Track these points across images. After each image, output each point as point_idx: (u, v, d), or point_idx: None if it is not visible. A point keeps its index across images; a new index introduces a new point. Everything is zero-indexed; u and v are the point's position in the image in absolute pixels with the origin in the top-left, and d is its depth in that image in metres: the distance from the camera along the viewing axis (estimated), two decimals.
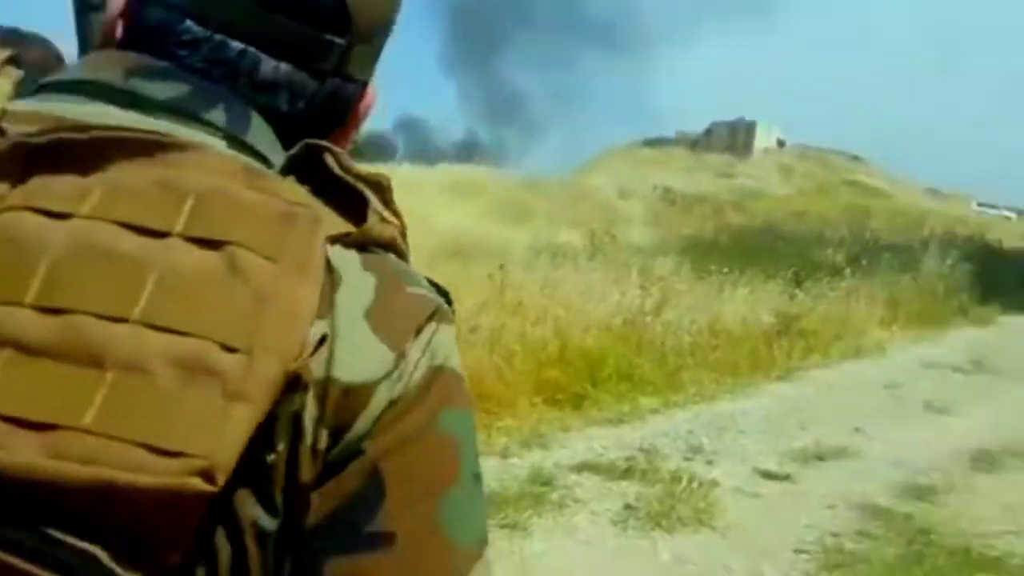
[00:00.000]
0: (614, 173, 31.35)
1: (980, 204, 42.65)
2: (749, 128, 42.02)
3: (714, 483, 5.71)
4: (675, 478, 5.64)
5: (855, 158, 42.49)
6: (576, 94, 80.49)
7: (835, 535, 5.04)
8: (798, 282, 13.11)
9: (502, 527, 4.82)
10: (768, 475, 6.20)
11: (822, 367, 11.02)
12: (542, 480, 5.63)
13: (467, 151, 46.42)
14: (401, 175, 29.09)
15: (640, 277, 10.03)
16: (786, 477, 6.19)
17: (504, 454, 6.29)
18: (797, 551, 4.78)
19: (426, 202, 23.17)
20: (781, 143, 42.99)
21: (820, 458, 6.71)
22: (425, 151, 44.51)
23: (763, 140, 42.02)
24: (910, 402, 9.18)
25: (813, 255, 17.92)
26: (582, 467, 6.02)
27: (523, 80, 56.28)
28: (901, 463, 6.71)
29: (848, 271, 14.66)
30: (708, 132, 43.35)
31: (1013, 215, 40.66)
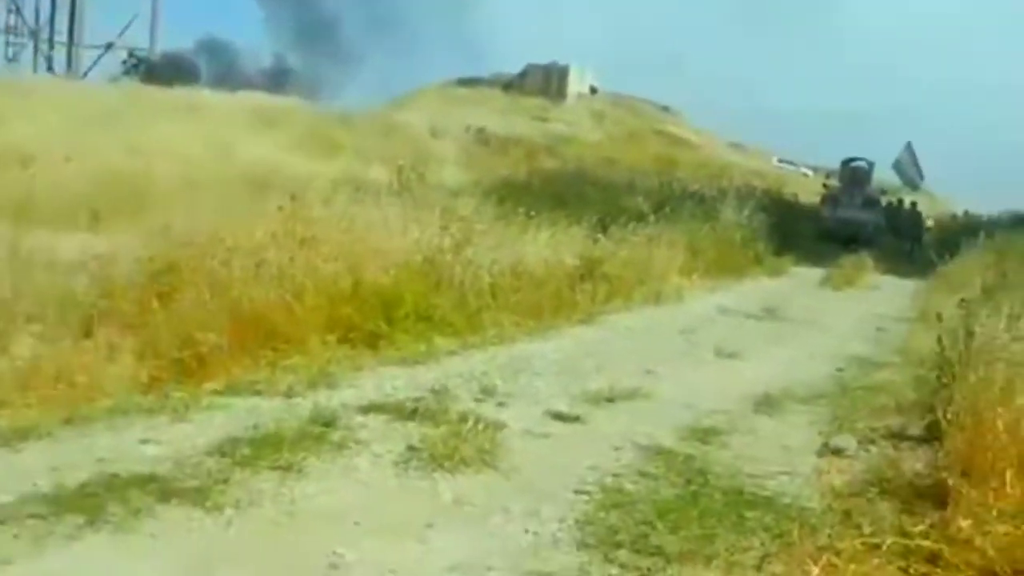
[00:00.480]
0: (427, 111, 30.96)
1: (780, 160, 44.66)
2: (563, 73, 42.33)
3: (501, 424, 5.60)
4: (463, 419, 5.49)
5: (664, 108, 43.58)
6: (392, 26, 78.40)
7: (616, 476, 5.01)
8: (603, 227, 13.24)
9: (274, 469, 4.56)
10: (558, 416, 6.16)
11: (623, 312, 11.18)
12: (324, 420, 5.38)
13: (278, 80, 44.61)
14: (202, 100, 27.84)
15: (443, 216, 9.80)
16: (576, 419, 6.16)
17: (288, 394, 6.00)
18: (578, 492, 4.73)
19: (229, 130, 22.21)
20: (594, 90, 43.52)
21: (611, 400, 6.72)
22: (230, 76, 42.42)
23: (576, 86, 42.45)
24: (703, 347, 9.40)
25: (621, 201, 18.19)
26: (369, 408, 5.80)
27: (335, 7, 54.37)
28: (688, 405, 6.81)
29: (652, 218, 14.91)
30: (523, 75, 43.33)
31: (810, 172, 42.78)
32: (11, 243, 8.46)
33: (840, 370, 8.82)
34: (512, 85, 42.72)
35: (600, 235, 12.60)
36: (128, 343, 6.65)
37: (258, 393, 5.95)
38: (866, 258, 19.54)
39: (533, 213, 12.05)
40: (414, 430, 5.40)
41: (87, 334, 6.82)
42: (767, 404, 7.14)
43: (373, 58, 52.47)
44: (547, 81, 41.97)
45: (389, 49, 61.00)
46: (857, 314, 13.29)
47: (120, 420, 5.17)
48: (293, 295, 7.18)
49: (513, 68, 44.39)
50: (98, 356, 6.36)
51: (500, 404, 6.28)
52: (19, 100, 26.02)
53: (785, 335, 10.84)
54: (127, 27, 45.89)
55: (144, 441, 4.84)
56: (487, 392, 6.54)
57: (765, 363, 8.86)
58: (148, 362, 6.39)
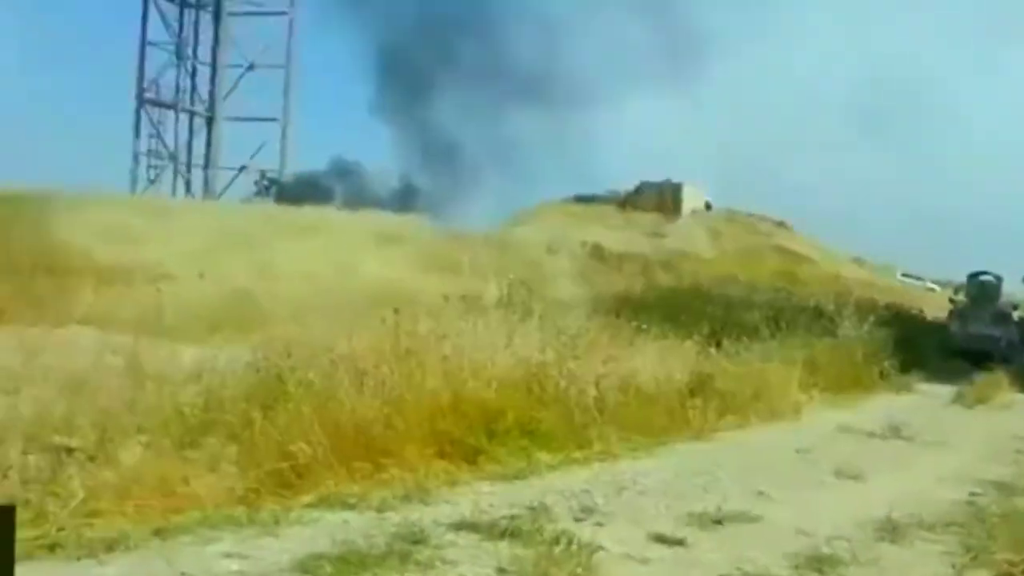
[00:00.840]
0: (545, 227, 31.32)
1: (904, 275, 43.48)
2: (676, 190, 42.56)
3: (598, 547, 5.31)
4: (557, 540, 5.24)
5: (781, 224, 43.12)
6: (510, 148, 79.78)
7: None
8: (717, 342, 12.93)
9: None
10: (660, 539, 5.83)
11: (736, 429, 10.79)
12: (414, 538, 5.20)
13: (406, 200, 46.00)
14: (328, 220, 28.83)
15: (553, 331, 9.69)
16: (679, 542, 5.82)
17: (381, 508, 5.86)
18: None
19: (353, 249, 22.90)
20: (708, 206, 43.53)
21: (719, 522, 6.37)
22: (362, 197, 44.08)
23: (691, 202, 42.57)
24: (821, 467, 8.93)
25: (736, 316, 17.87)
26: (461, 525, 5.61)
27: (458, 131, 56.34)
28: (803, 531, 6.39)
29: (768, 333, 14.55)
30: (637, 191, 43.70)
31: (937, 287, 41.49)
32: (131, 354, 8.72)
33: (974, 495, 8.21)
34: (627, 202, 43.07)
35: (713, 349, 12.29)
36: (230, 454, 6.67)
37: (351, 507, 5.83)
38: (1000, 375, 18.59)
39: (644, 327, 11.86)
40: (505, 550, 5.17)
41: (192, 444, 6.88)
42: (892, 531, 6.63)
43: (495, 178, 53.84)
44: (661, 198, 42.19)
45: (510, 169, 62.48)
46: (992, 434, 12.53)
47: (209, 532, 5.10)
48: (393, 407, 7.11)
49: (628, 185, 44.85)
50: (199, 467, 6.38)
51: (599, 524, 6.00)
52: (158, 220, 27.46)
53: (912, 456, 10.24)
54: (258, 151, 48.38)
55: (228, 555, 4.75)
56: (587, 511, 6.27)
57: (890, 486, 8.32)
58: (247, 473, 6.36)
